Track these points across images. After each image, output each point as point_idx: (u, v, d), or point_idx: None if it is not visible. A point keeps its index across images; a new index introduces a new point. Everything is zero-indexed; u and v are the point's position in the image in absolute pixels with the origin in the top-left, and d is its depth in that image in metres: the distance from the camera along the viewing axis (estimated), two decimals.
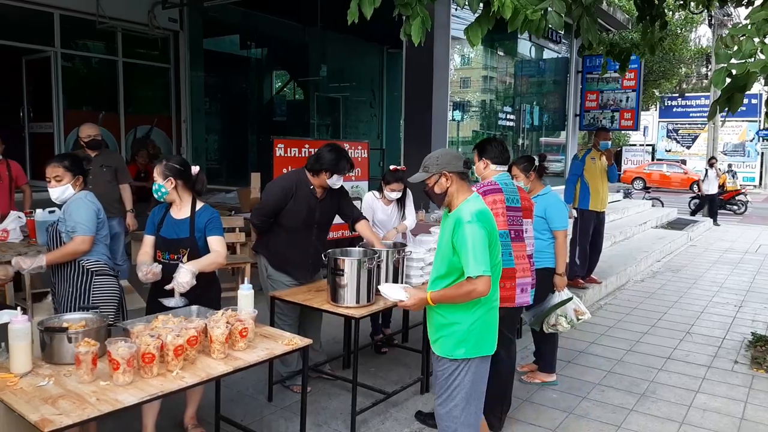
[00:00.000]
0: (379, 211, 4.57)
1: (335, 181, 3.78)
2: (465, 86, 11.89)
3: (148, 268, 3.03)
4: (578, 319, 4.02)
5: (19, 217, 4.92)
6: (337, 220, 6.67)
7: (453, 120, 11.82)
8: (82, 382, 2.25)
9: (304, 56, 13.07)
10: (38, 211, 4.81)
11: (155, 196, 3.23)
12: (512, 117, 11.49)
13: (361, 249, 3.75)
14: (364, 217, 4.08)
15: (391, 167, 4.57)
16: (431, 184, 2.67)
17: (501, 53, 11.86)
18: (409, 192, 4.72)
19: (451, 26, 8.64)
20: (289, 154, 6.32)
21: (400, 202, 4.66)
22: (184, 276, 2.93)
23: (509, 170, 3.78)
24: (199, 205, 3.21)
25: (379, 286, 2.81)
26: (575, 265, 6.48)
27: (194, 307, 3.05)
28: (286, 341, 2.78)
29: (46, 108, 9.49)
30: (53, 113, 9.40)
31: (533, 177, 4.11)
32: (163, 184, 3.16)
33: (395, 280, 3.70)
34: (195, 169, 3.24)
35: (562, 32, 10.71)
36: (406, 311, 3.88)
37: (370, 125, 14.37)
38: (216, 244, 3.12)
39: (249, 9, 11.07)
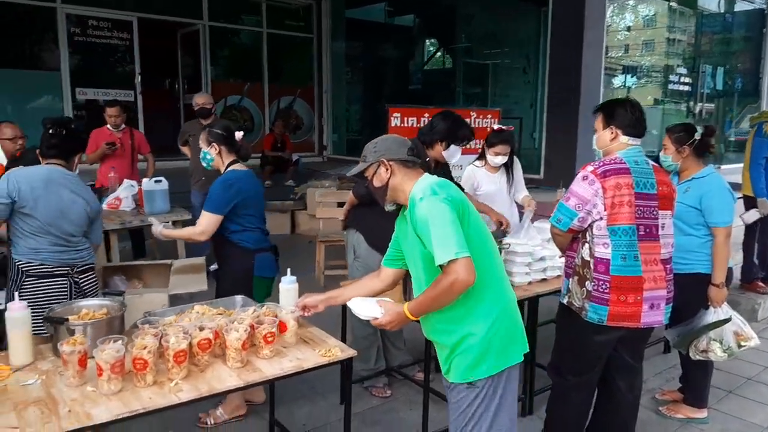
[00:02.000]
0: (483, 182, 3.85)
1: (452, 153, 3.33)
2: (633, 48, 10.39)
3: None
4: (740, 346, 3.01)
5: (132, 186, 4.96)
6: None
7: (620, 87, 10.43)
8: (69, 384, 1.94)
9: (451, 21, 12.33)
10: (145, 180, 4.81)
11: (203, 164, 3.11)
12: (687, 80, 9.75)
13: None
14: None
15: (495, 126, 3.83)
16: (370, 176, 2.13)
17: (678, 6, 10.10)
18: (517, 161, 3.94)
19: None
20: (405, 124, 5.77)
21: (508, 170, 3.90)
22: (155, 227, 3.08)
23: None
24: (229, 168, 3.03)
25: (348, 302, 2.20)
26: (754, 266, 5.16)
27: (239, 298, 2.66)
28: (323, 351, 2.27)
29: (198, 80, 9.91)
30: (201, 84, 9.77)
31: (687, 153, 3.13)
32: (207, 151, 3.05)
33: None
34: (239, 135, 3.13)
35: None
36: (533, 307, 3.12)
37: (523, 93, 13.27)
38: (201, 217, 2.93)
39: None
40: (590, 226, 2.43)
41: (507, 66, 13.00)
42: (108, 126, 5.46)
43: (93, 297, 2.62)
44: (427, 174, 2.12)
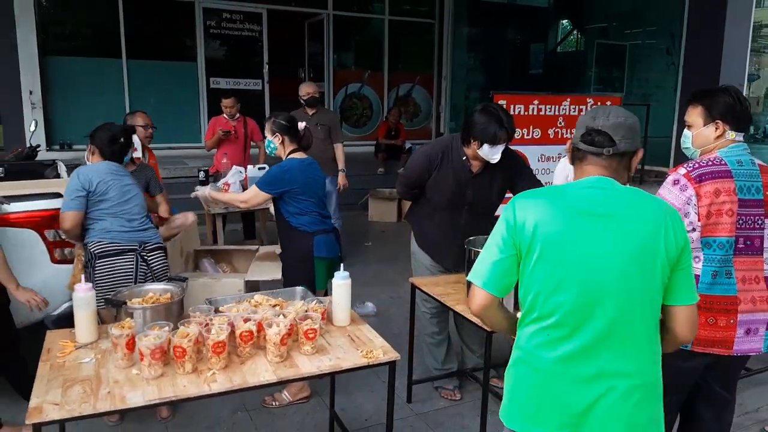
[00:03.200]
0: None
1: (488, 153, 2.92)
2: None
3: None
4: None
5: (240, 171, 5.21)
6: None
7: None
8: (117, 366, 2.06)
9: (583, 0, 11.55)
10: (250, 167, 5.03)
11: (267, 151, 3.26)
12: None
13: None
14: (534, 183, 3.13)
15: (590, 103, 3.50)
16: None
17: None
18: None
19: None
20: (513, 112, 5.48)
21: None
22: (200, 192, 3.64)
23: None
24: (291, 156, 3.15)
25: None
26: None
27: (299, 289, 2.69)
28: (365, 351, 2.21)
29: (322, 68, 10.21)
30: (324, 73, 10.05)
31: None
32: (271, 140, 3.18)
33: None
34: (302, 125, 3.21)
35: None
36: None
37: (665, 76, 12.12)
38: (249, 189, 3.26)
39: None
40: None
41: (648, 47, 11.94)
42: (224, 115, 5.78)
43: (160, 277, 2.81)
44: None
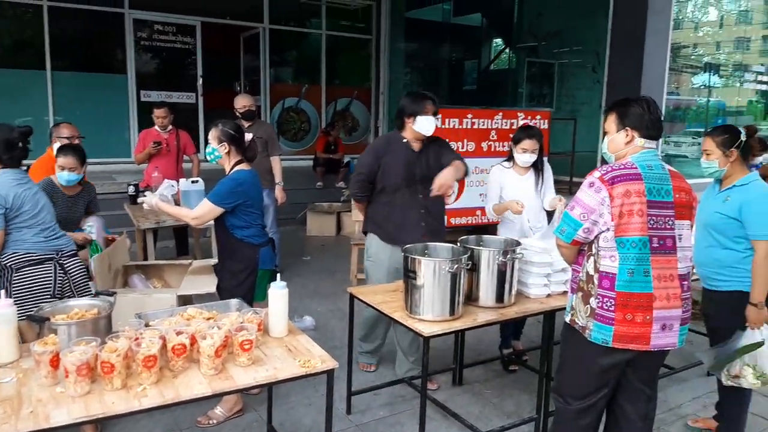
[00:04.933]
0: (509, 185, 3.66)
1: (422, 125, 3.30)
2: (712, 45, 9.74)
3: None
4: None
5: (172, 185, 5.06)
6: (469, 203, 5.85)
7: (700, 86, 9.81)
8: (41, 385, 1.96)
9: (514, 20, 11.98)
10: (182, 180, 4.91)
11: (208, 158, 3.17)
12: (766, 79, 9.01)
13: (454, 246, 2.91)
14: (459, 158, 3.40)
15: (522, 122, 3.67)
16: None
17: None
18: (546, 163, 3.73)
19: None
20: (447, 126, 5.64)
21: (538, 172, 3.69)
22: (147, 199, 3.26)
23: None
24: (238, 168, 3.09)
25: None
26: None
27: (234, 301, 2.64)
28: (303, 361, 2.19)
29: (258, 82, 10.12)
30: (260, 87, 9.97)
31: (735, 156, 2.82)
32: (216, 148, 3.10)
33: (500, 289, 2.84)
34: (248, 137, 3.18)
35: None
36: (549, 323, 2.88)
37: (591, 93, 12.71)
38: (201, 204, 3.05)
39: None
40: (597, 237, 2.23)
41: (575, 65, 12.50)
42: (156, 127, 5.64)
43: (83, 287, 2.75)
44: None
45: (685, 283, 2.25)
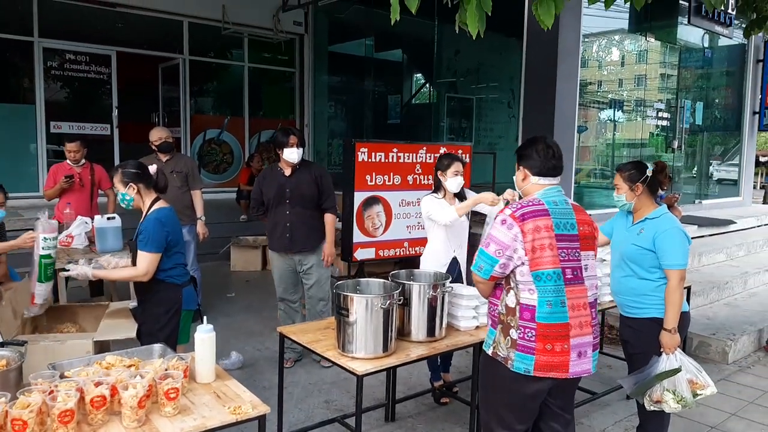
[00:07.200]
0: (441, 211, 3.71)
1: (290, 155, 4.11)
2: (616, 83, 10.43)
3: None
4: (696, 395, 2.84)
5: (86, 222, 4.82)
6: (397, 235, 5.93)
7: (607, 120, 10.43)
8: None
9: (435, 56, 12.38)
10: (97, 217, 4.67)
11: (122, 205, 3.01)
12: (665, 115, 9.73)
13: (385, 281, 2.93)
14: (334, 212, 4.31)
15: (443, 151, 3.80)
16: None
17: (654, 41, 10.14)
18: (469, 191, 3.84)
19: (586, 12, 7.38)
20: (373, 159, 5.68)
21: (462, 201, 3.72)
22: (79, 269, 2.98)
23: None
24: (156, 206, 2.97)
25: None
26: None
27: (157, 346, 2.51)
28: (233, 408, 2.11)
29: (178, 113, 9.87)
30: (180, 118, 9.73)
31: (641, 191, 3.00)
32: (125, 192, 2.96)
33: (431, 323, 2.86)
34: (153, 169, 3.05)
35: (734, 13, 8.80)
36: (479, 354, 2.92)
37: (507, 127, 13.28)
38: (138, 258, 2.89)
39: (376, 8, 10.66)
40: (513, 271, 2.30)
41: (492, 100, 13.04)
42: (68, 161, 5.36)
43: None
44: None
45: (594, 310, 2.35)
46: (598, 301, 3.67)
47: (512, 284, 2.30)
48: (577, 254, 2.31)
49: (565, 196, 2.42)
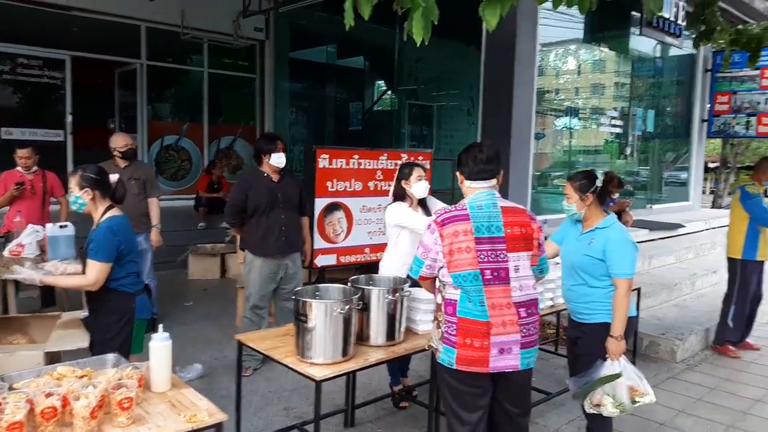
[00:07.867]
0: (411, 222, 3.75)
1: (278, 160, 4.23)
2: (572, 91, 10.70)
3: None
4: (634, 402, 2.92)
5: (37, 231, 4.70)
6: (358, 241, 6.04)
7: (563, 128, 10.67)
8: None
9: (396, 64, 12.48)
10: (48, 225, 4.56)
11: (72, 207, 2.95)
12: (619, 123, 10.03)
13: (342, 287, 2.95)
14: (309, 215, 4.72)
15: (405, 157, 3.89)
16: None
17: (608, 50, 10.46)
18: (432, 197, 3.89)
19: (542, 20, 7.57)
20: (334, 165, 5.70)
21: (426, 208, 3.79)
22: (26, 273, 2.93)
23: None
24: (108, 214, 2.90)
25: None
26: (727, 328, 5.17)
27: (111, 356, 2.47)
28: (189, 416, 2.09)
29: (135, 119, 9.68)
30: (137, 124, 9.55)
31: (590, 201, 3.09)
32: (80, 195, 2.89)
33: (390, 327, 2.90)
34: (113, 177, 3.01)
35: (683, 24, 9.14)
36: (433, 357, 2.99)
37: (467, 134, 13.47)
38: (88, 267, 2.83)
39: (338, 15, 10.70)
40: (440, 271, 2.47)
41: (452, 108, 13.20)
42: (19, 168, 5.22)
43: None
44: None
45: (523, 309, 2.41)
46: (554, 303, 3.82)
47: (439, 283, 2.47)
48: (502, 255, 2.40)
49: (497, 198, 2.50)
